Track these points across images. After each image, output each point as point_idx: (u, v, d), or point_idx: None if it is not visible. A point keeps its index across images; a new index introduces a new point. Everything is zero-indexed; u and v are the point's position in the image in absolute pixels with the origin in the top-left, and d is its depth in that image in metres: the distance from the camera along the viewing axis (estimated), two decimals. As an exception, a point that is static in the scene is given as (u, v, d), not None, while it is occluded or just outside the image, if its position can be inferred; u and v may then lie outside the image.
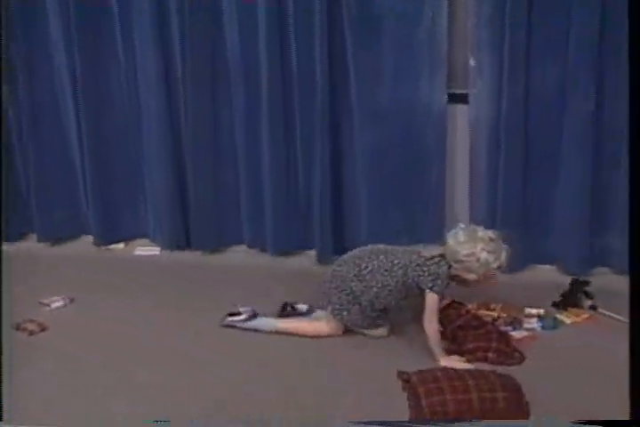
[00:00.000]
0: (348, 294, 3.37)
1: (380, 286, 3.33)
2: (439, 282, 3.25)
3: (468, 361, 3.27)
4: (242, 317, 3.55)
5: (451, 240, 3.27)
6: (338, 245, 4.39)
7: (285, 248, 4.51)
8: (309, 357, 3.30)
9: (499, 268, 3.28)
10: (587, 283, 3.78)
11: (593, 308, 3.72)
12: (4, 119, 4.46)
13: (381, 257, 3.36)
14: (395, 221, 4.33)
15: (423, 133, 4.14)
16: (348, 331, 3.48)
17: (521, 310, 3.66)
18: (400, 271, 3.31)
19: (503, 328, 3.52)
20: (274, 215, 4.40)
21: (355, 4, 3.97)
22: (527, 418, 2.84)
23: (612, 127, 3.90)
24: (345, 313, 3.40)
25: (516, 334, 3.49)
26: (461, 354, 3.31)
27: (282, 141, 4.27)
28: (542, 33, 3.83)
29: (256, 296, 3.89)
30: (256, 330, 3.51)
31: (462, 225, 3.34)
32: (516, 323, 3.58)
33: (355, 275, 3.36)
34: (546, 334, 3.47)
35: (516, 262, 4.03)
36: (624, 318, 3.59)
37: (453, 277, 3.32)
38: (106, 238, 4.70)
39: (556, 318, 3.63)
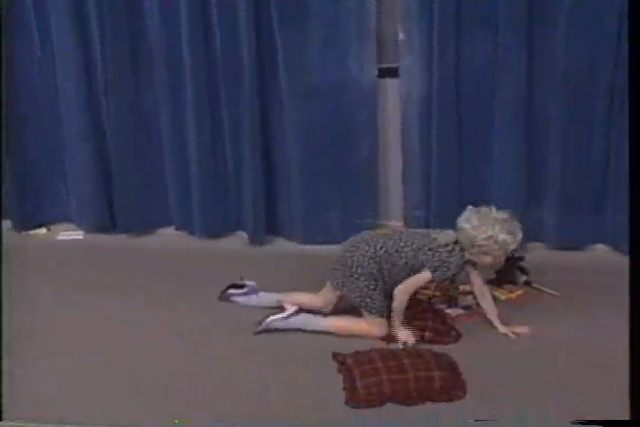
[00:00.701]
0: (366, 281, 3.29)
1: (391, 265, 3.28)
2: (444, 270, 3.23)
3: (404, 341, 3.31)
4: (280, 315, 3.39)
5: (465, 225, 3.22)
6: (270, 225, 4.41)
7: (215, 230, 4.50)
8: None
9: (516, 248, 3.28)
10: (521, 258, 3.84)
11: (527, 283, 3.79)
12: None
13: (396, 238, 3.31)
14: (327, 198, 4.34)
15: (354, 109, 4.15)
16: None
17: (456, 288, 3.69)
18: (411, 253, 3.26)
19: (438, 306, 3.57)
20: (201, 196, 4.39)
21: (280, -19, 3.96)
22: (463, 396, 2.89)
23: (543, 101, 3.97)
24: (369, 301, 3.32)
25: (451, 312, 3.53)
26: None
27: (208, 120, 4.24)
28: (472, 5, 3.87)
29: (188, 280, 3.90)
30: (299, 329, 3.38)
31: (471, 207, 3.28)
32: (451, 301, 3.62)
33: (370, 257, 3.28)
34: (481, 312, 3.50)
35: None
36: (557, 293, 3.68)
37: (464, 264, 3.31)
38: (26, 223, 4.63)
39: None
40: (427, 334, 3.32)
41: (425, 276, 3.25)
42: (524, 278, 3.80)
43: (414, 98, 4.08)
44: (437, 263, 3.23)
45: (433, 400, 2.85)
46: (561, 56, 3.86)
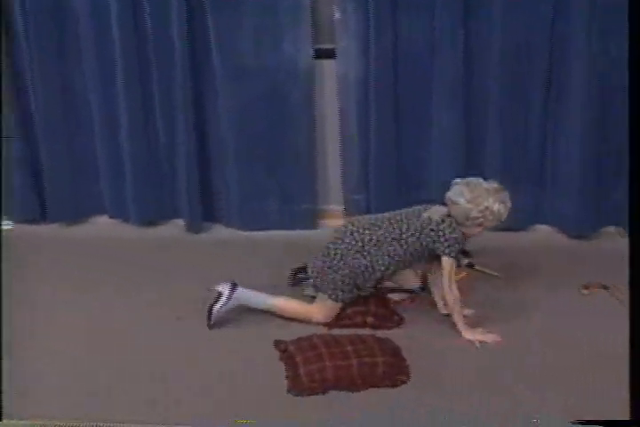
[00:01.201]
0: (343, 275, 3.24)
1: (387, 256, 3.22)
2: (456, 246, 3.20)
3: (347, 326, 3.29)
4: (222, 299, 3.29)
5: (459, 199, 3.19)
6: (207, 211, 4.37)
7: (151, 217, 4.44)
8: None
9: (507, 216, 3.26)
10: (463, 241, 3.87)
11: (470, 265, 3.81)
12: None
13: (386, 225, 3.24)
14: (265, 183, 4.32)
15: (290, 91, 4.11)
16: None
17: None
18: (411, 239, 3.21)
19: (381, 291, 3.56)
20: (135, 183, 4.32)
21: (212, -39, 3.90)
22: (407, 381, 2.89)
23: (480, 80, 3.98)
24: (341, 293, 3.27)
25: (394, 297, 3.53)
26: (340, 319, 3.33)
27: (140, 103, 4.18)
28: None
29: (124, 270, 3.86)
30: (242, 305, 3.34)
31: (458, 180, 3.27)
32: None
33: (357, 251, 3.22)
34: (424, 296, 3.50)
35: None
36: (499, 274, 3.71)
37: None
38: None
39: (433, 279, 3.69)
40: (369, 319, 3.32)
41: (448, 263, 3.21)
42: (466, 261, 3.82)
43: (351, 79, 4.06)
44: (447, 243, 3.19)
45: (377, 386, 2.86)
46: (497, 36, 3.88)
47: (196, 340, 3.24)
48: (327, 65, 4.12)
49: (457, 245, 3.21)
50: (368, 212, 4.23)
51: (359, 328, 3.28)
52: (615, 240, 4.13)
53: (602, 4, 3.75)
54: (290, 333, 3.21)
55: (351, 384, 2.86)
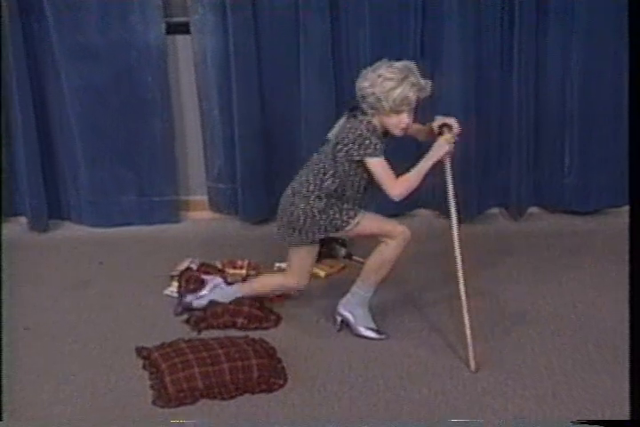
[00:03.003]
0: (287, 215, 3.13)
1: (306, 177, 3.12)
2: (368, 143, 2.96)
3: (213, 327, 3.24)
4: (204, 291, 3.39)
5: (358, 85, 2.99)
6: (53, 207, 4.24)
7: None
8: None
9: (423, 91, 2.97)
10: (338, 231, 3.83)
11: (348, 256, 3.76)
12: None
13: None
14: (119, 176, 4.21)
15: (141, 71, 4.01)
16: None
17: (271, 266, 3.67)
18: (322, 156, 3.11)
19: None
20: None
21: None
22: (284, 385, 2.85)
23: (351, 49, 3.94)
24: (290, 231, 3.14)
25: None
26: (204, 319, 3.27)
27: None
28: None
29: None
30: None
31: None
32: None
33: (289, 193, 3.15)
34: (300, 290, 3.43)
35: (259, 214, 4.07)
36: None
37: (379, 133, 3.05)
38: None
39: (309, 272, 3.65)
40: (240, 320, 3.26)
41: (374, 164, 3.00)
42: (343, 251, 3.77)
43: (209, 56, 3.98)
44: (356, 145, 2.98)
45: (252, 392, 2.82)
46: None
47: (49, 350, 3.15)
48: (181, 41, 4.04)
49: (368, 142, 2.97)
50: (235, 201, 4.20)
51: (228, 329, 3.22)
52: (498, 222, 4.24)
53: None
54: (154, 338, 3.13)
55: (223, 391, 2.80)
